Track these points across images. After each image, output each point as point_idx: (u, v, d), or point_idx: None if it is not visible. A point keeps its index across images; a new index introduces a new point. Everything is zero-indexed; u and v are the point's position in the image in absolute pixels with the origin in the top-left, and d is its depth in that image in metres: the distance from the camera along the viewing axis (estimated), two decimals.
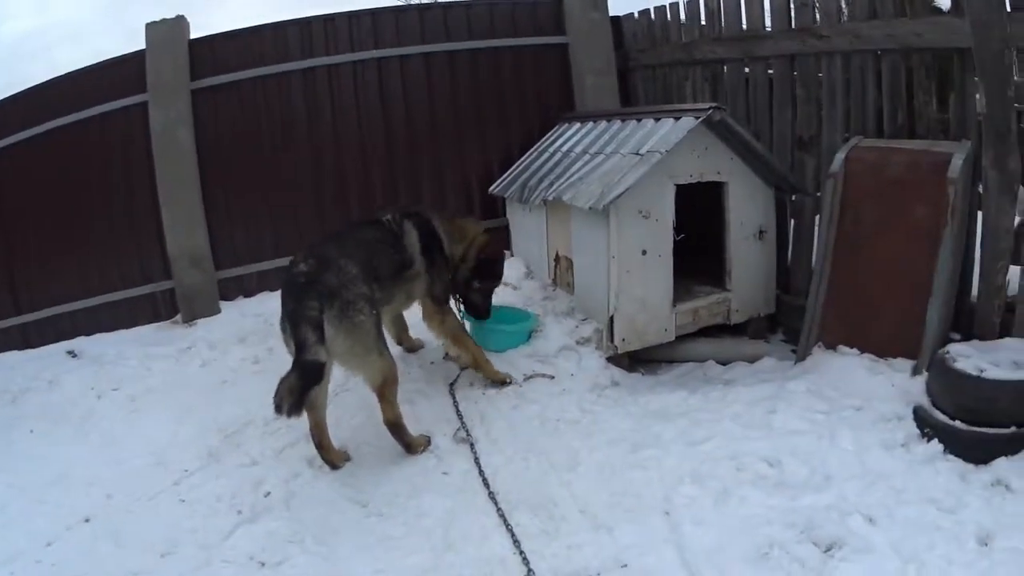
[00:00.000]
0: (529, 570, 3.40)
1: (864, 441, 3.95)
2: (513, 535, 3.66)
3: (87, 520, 4.39)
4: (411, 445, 4.50)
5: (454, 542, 3.74)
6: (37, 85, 7.14)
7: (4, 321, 7.36)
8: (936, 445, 3.78)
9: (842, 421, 4.17)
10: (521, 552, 3.53)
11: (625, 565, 3.38)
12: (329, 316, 4.18)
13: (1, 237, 7.28)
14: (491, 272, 5.45)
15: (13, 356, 7.15)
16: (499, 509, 3.90)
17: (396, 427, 4.48)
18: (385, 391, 4.44)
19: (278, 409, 3.95)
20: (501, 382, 5.16)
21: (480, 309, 5.45)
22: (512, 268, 6.65)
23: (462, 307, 5.48)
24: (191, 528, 4.16)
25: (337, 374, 4.75)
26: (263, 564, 3.77)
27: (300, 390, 3.96)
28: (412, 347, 5.78)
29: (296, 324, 4.15)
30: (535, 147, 7.19)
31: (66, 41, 27.27)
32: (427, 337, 5.64)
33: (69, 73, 7.12)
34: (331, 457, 4.51)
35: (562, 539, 3.64)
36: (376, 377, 4.42)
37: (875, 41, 5.04)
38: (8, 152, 7.13)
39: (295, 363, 4.06)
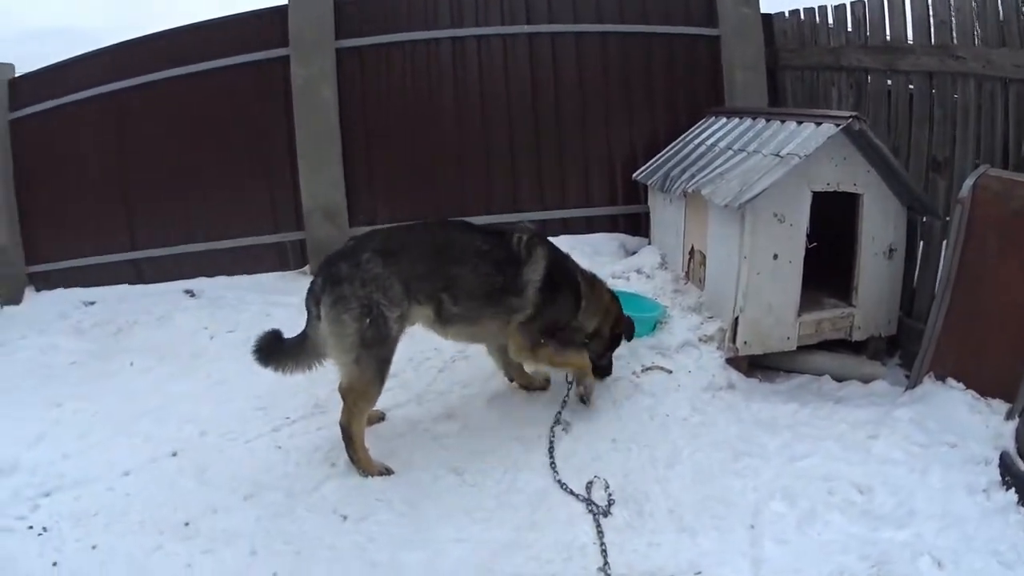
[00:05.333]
0: (606, 562, 3.52)
1: (951, 480, 3.97)
2: (598, 525, 3.79)
3: (174, 454, 4.62)
4: (358, 461, 4.34)
5: (539, 522, 3.88)
6: (176, 28, 7.58)
7: (118, 255, 7.80)
8: (1013, 495, 3.78)
9: (936, 457, 4.19)
10: (602, 544, 3.64)
11: (699, 572, 3.48)
12: (323, 300, 4.32)
13: (122, 172, 7.73)
14: (619, 342, 5.24)
15: (123, 289, 7.57)
16: (589, 498, 4.04)
17: (346, 435, 4.35)
18: (346, 397, 4.37)
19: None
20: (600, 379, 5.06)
21: (607, 372, 5.22)
22: (647, 257, 6.87)
23: None
24: (282, 474, 4.37)
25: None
26: (345, 518, 3.95)
27: (260, 354, 4.48)
28: (529, 383, 5.32)
29: (309, 290, 4.48)
30: (681, 137, 7.31)
31: None
32: None
33: (210, 20, 7.59)
34: None
35: (645, 536, 3.75)
36: (343, 380, 4.41)
37: (1004, 69, 5.06)
38: (142, 90, 7.62)
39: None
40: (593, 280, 5.13)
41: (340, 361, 4.35)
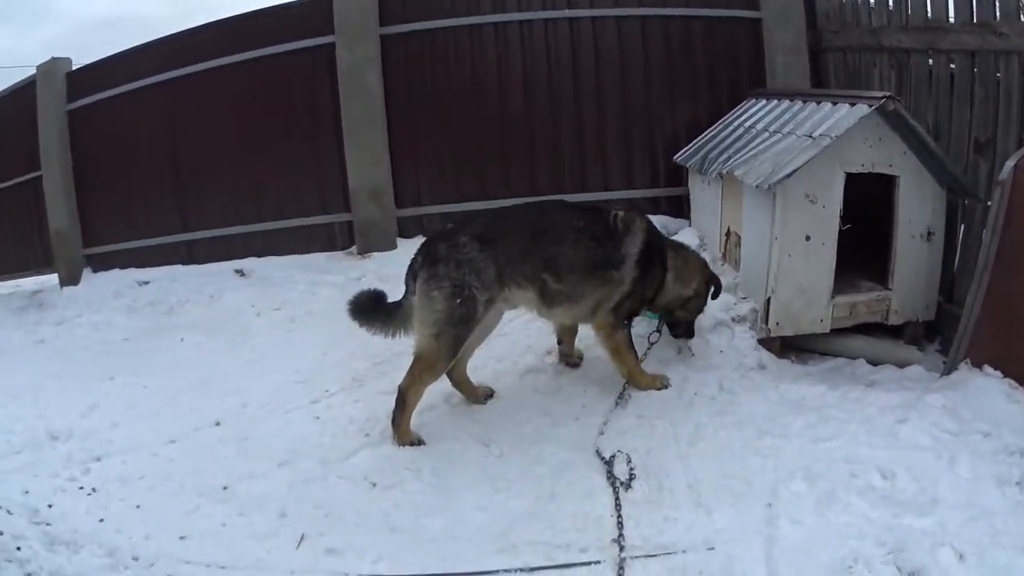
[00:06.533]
0: (620, 534, 3.60)
1: (980, 470, 3.80)
2: (617, 498, 3.88)
3: (217, 424, 4.96)
4: (398, 427, 4.58)
5: (559, 493, 4.00)
6: (225, 18, 7.98)
7: (171, 237, 8.16)
8: None
9: (966, 445, 4.03)
10: (619, 516, 3.74)
11: (712, 548, 3.49)
12: (419, 276, 4.61)
13: (174, 158, 8.11)
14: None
15: (176, 269, 7.91)
16: (610, 472, 4.13)
17: (400, 399, 4.58)
18: (414, 365, 4.61)
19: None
20: (657, 388, 5.05)
21: (690, 334, 5.49)
22: (686, 238, 6.83)
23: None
24: (317, 444, 4.63)
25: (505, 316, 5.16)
26: (375, 485, 4.17)
27: (354, 306, 4.72)
28: (570, 357, 5.52)
29: (409, 267, 4.75)
30: (722, 120, 7.34)
31: None
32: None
33: (258, 9, 7.91)
34: None
35: (663, 511, 3.80)
36: (417, 349, 4.64)
37: None
38: (192, 79, 8.00)
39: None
40: (678, 248, 5.41)
41: (421, 332, 4.61)
